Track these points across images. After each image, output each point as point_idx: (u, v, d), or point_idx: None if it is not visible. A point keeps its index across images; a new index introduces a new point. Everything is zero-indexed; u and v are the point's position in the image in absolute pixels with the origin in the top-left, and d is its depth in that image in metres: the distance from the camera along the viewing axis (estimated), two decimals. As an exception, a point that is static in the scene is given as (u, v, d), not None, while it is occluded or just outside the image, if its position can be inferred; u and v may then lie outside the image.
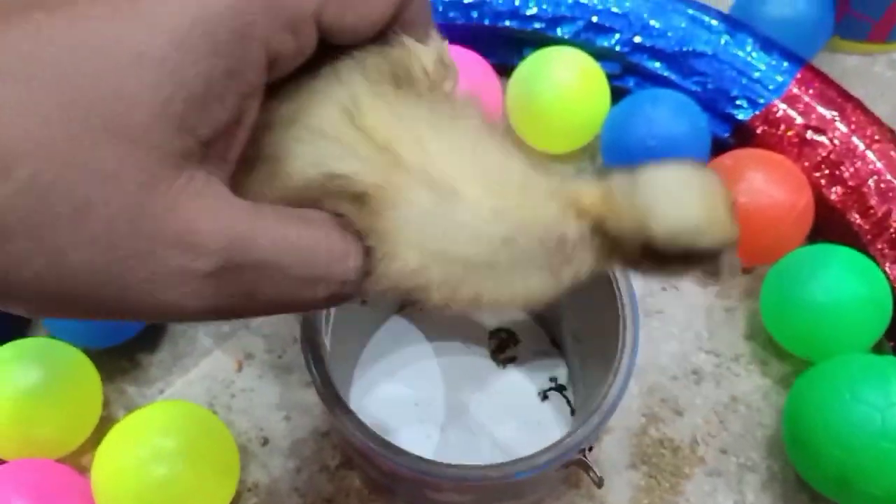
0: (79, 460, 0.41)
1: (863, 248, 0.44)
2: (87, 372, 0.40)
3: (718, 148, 0.48)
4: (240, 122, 0.19)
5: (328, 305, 0.22)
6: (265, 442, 0.42)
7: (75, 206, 0.17)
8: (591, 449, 0.32)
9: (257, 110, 0.20)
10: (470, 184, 0.21)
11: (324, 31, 0.20)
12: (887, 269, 0.43)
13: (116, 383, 0.43)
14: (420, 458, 0.31)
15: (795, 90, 0.47)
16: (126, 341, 0.44)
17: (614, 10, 0.50)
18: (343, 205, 0.21)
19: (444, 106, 0.22)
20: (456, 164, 0.21)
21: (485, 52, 0.50)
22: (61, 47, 0.17)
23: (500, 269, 0.22)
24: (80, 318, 0.21)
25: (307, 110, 0.21)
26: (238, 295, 0.19)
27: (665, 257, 0.24)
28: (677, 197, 0.23)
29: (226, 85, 0.18)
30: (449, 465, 0.31)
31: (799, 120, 0.47)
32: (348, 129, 0.21)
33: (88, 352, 0.41)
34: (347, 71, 0.22)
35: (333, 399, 0.32)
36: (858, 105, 0.47)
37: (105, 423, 0.41)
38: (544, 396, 0.43)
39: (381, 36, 0.22)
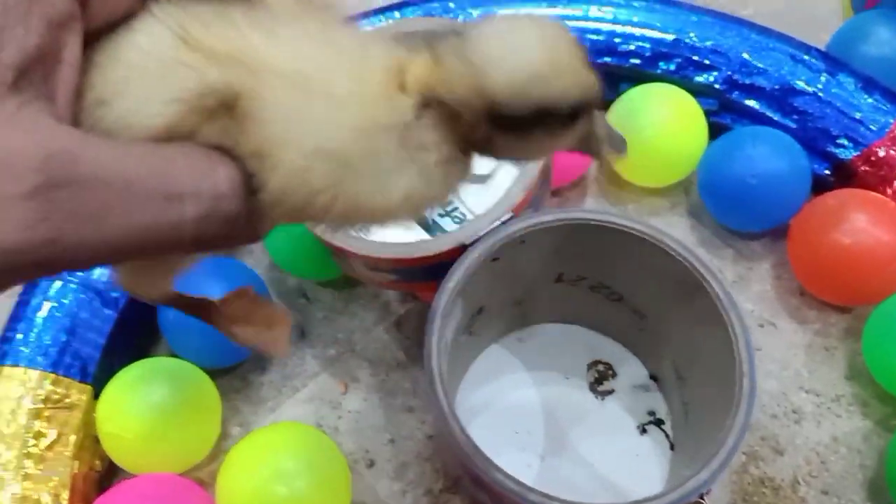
0: (197, 474, 0.43)
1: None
2: (209, 391, 0.43)
3: (818, 186, 0.49)
4: (58, 56, 0.18)
5: (209, 232, 0.19)
6: (371, 464, 0.44)
7: None
8: (709, 492, 0.33)
9: (79, 48, 0.19)
10: (320, 74, 0.20)
11: None
12: None
13: (231, 402, 0.45)
14: (546, 495, 0.32)
15: (899, 131, 0.47)
16: (239, 362, 0.46)
17: (713, 47, 0.51)
18: (207, 130, 0.20)
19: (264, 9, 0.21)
20: (301, 58, 0.20)
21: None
22: None
23: (365, 164, 0.21)
24: None
25: (132, 48, 0.20)
26: (77, 219, 0.17)
27: (517, 123, 0.21)
28: (513, 42, 0.21)
29: (26, 8, 0.17)
30: (569, 502, 0.32)
31: (902, 161, 0.47)
32: (187, 53, 0.20)
33: (206, 371, 0.43)
34: (161, 7, 0.21)
35: (456, 423, 0.34)
36: (963, 147, 0.47)
37: (221, 440, 0.43)
38: (643, 430, 0.44)
39: None
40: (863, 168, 0.48)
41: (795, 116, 0.50)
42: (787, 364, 0.46)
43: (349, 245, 0.39)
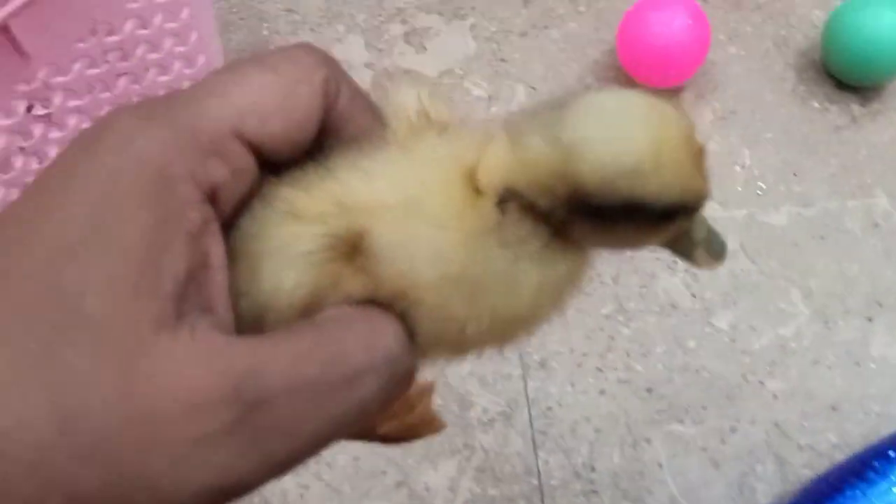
0: None
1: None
2: None
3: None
4: (206, 264, 0.18)
5: (392, 395, 0.19)
6: None
7: (59, 425, 0.15)
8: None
9: (223, 248, 0.19)
10: (415, 198, 0.20)
11: (255, 146, 0.19)
12: None
13: None
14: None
15: None
16: None
17: None
18: (349, 279, 0.19)
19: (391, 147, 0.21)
20: (396, 187, 0.20)
21: None
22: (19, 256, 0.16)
23: (487, 277, 0.20)
24: None
25: (247, 240, 0.20)
26: (280, 433, 0.17)
27: (604, 214, 0.19)
28: (614, 124, 0.18)
29: (168, 233, 0.17)
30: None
31: None
32: (299, 223, 0.20)
33: None
34: (265, 189, 0.20)
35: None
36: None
37: None
38: None
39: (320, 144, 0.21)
40: None
41: None
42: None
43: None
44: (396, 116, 0.21)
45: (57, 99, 0.43)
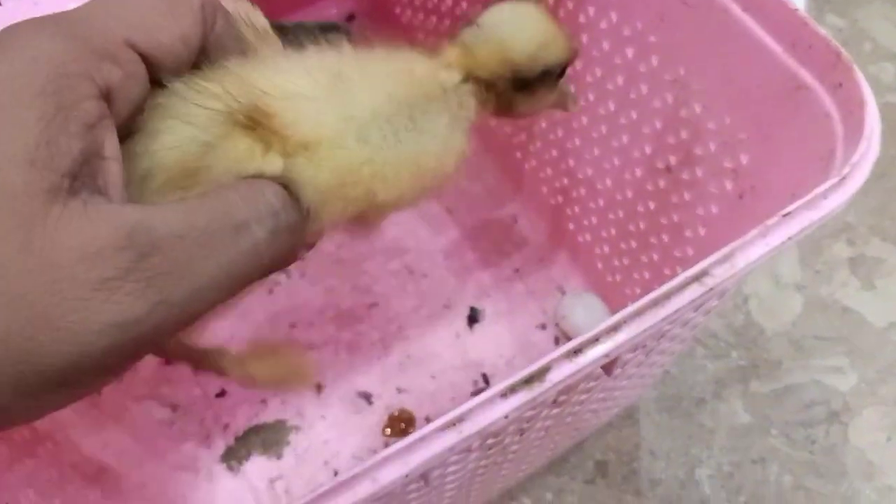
0: None
1: None
2: None
3: None
4: (100, 154, 0.20)
5: (282, 247, 0.23)
6: None
7: None
8: None
9: (116, 142, 0.21)
10: (350, 72, 0.26)
11: (144, 55, 0.22)
12: None
13: None
14: None
15: None
16: None
17: None
18: (242, 144, 0.23)
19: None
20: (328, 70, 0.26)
21: None
22: None
23: (425, 123, 0.27)
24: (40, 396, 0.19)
25: (158, 118, 0.23)
26: (174, 277, 0.19)
27: (530, 83, 0.31)
28: (523, 25, 0.30)
29: (63, 119, 0.19)
30: None
31: None
32: (208, 99, 0.24)
33: None
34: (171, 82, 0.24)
35: None
36: None
37: None
38: None
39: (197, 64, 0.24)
40: None
41: None
42: None
43: None
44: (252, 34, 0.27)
45: (582, 384, 0.37)
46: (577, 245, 0.65)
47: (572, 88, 0.34)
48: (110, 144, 0.21)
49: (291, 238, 0.23)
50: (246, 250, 0.21)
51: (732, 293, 0.67)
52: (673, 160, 0.49)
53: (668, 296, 0.29)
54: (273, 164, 0.24)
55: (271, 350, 0.39)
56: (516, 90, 0.31)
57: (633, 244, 0.57)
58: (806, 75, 0.37)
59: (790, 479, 0.59)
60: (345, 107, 0.25)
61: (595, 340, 0.28)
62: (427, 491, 0.37)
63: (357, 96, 0.26)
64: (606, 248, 0.61)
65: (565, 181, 0.63)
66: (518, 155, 0.69)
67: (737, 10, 0.39)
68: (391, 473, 0.26)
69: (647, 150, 0.51)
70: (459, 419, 0.27)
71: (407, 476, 0.27)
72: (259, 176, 0.23)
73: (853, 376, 0.63)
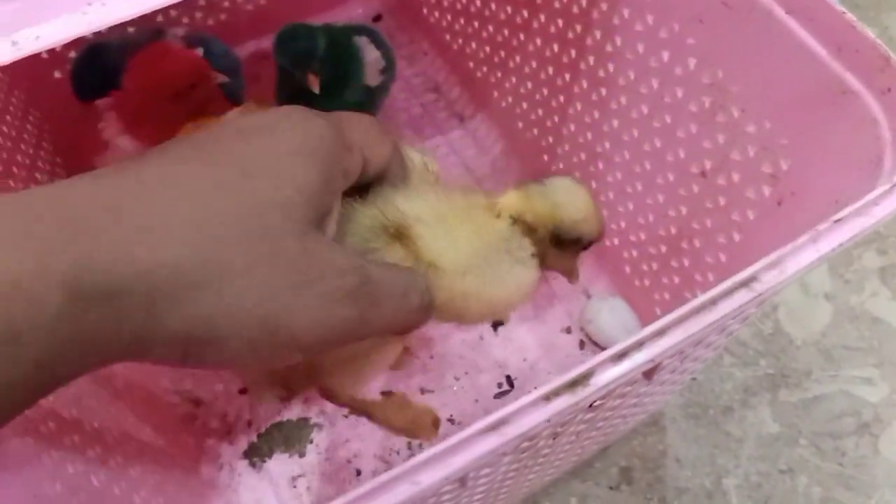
0: None
1: None
2: None
3: None
4: (331, 211, 0.28)
5: (423, 315, 0.31)
6: None
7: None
8: None
9: (338, 205, 0.30)
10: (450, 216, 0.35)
11: (363, 158, 0.31)
12: None
13: None
14: None
15: None
16: None
17: None
18: (390, 249, 0.33)
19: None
20: (436, 210, 0.35)
21: None
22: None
23: (492, 269, 0.36)
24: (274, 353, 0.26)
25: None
26: (371, 303, 0.27)
27: (563, 242, 0.39)
28: (576, 197, 0.39)
29: (328, 183, 0.27)
30: None
31: None
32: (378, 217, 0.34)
33: None
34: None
35: None
36: None
37: None
38: None
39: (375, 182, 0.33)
40: None
41: None
42: None
43: None
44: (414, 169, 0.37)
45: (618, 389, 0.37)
46: (603, 248, 0.64)
47: (580, 264, 0.43)
48: (336, 206, 0.29)
49: (424, 313, 0.31)
50: (404, 306, 0.29)
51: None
52: (708, 165, 0.48)
53: (714, 301, 0.29)
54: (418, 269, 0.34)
55: (407, 403, 0.55)
56: (551, 241, 0.38)
57: (663, 248, 0.56)
58: (852, 80, 0.36)
59: (819, 491, 0.58)
60: (454, 246, 0.35)
61: (640, 345, 0.28)
62: (458, 494, 0.37)
63: (458, 240, 0.35)
64: (635, 253, 0.60)
65: (594, 185, 0.62)
66: (545, 158, 0.68)
67: (780, 12, 0.38)
68: (431, 476, 0.26)
69: (682, 154, 0.50)
70: (502, 422, 0.26)
71: (446, 478, 0.26)
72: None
73: (884, 387, 0.62)
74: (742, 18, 0.41)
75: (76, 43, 0.53)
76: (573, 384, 0.27)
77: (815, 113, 0.38)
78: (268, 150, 0.26)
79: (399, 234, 0.33)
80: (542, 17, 0.60)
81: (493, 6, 0.67)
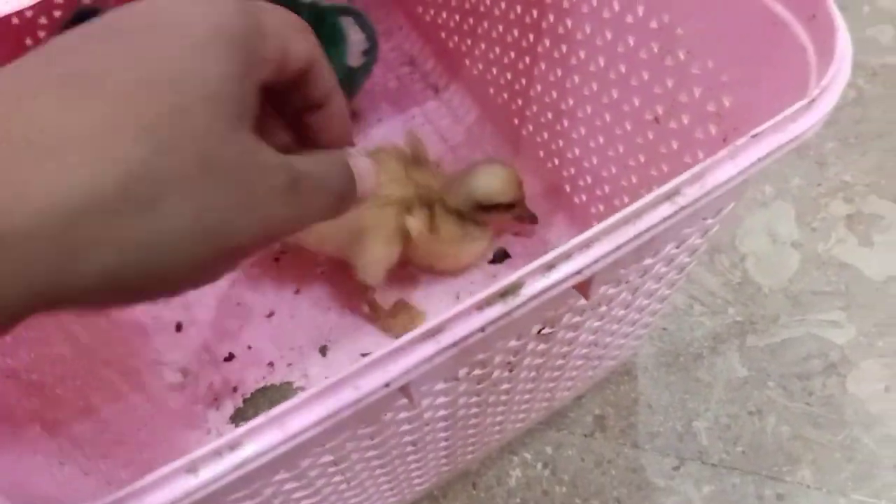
0: None
1: None
2: None
3: None
4: (253, 106, 0.24)
5: (351, 198, 0.28)
6: None
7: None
8: None
9: (258, 100, 0.25)
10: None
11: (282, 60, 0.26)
12: None
13: None
14: None
15: None
16: None
17: None
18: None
19: None
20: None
21: None
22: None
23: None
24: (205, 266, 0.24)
25: None
26: (302, 199, 0.25)
27: (487, 209, 0.60)
28: (487, 176, 0.60)
29: (249, 74, 0.24)
30: None
31: None
32: None
33: None
34: None
35: None
36: None
37: None
38: None
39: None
40: None
41: None
42: None
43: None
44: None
45: (566, 317, 0.38)
46: (573, 206, 0.66)
47: (529, 213, 0.64)
48: (256, 105, 0.25)
49: (352, 196, 0.28)
50: (334, 194, 0.27)
51: (727, 248, 0.67)
52: (660, 110, 0.49)
53: (639, 214, 0.30)
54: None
55: (406, 308, 0.65)
56: (477, 210, 0.61)
57: (626, 199, 0.58)
58: (782, 10, 0.37)
59: (788, 430, 0.60)
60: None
61: (568, 256, 0.29)
62: (417, 420, 0.39)
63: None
64: (602, 207, 0.62)
65: (560, 143, 0.64)
66: (515, 121, 0.70)
67: (715, -49, 0.40)
68: (372, 382, 0.28)
69: (636, 102, 0.52)
70: (438, 330, 0.28)
71: (388, 385, 0.28)
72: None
73: (851, 329, 0.64)
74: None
75: (51, 4, 0.53)
76: (504, 294, 0.29)
77: (751, 47, 0.40)
78: (181, 40, 0.22)
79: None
80: (503, -20, 0.62)
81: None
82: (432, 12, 0.77)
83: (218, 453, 0.27)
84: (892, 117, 0.75)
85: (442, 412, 0.40)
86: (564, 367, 0.49)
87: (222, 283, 0.69)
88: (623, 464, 0.59)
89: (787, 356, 0.63)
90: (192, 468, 0.27)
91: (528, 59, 0.64)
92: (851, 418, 0.60)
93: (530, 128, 0.68)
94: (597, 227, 0.30)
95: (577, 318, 0.40)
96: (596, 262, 0.30)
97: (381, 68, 0.81)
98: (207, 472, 0.27)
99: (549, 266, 0.29)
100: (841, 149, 0.73)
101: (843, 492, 0.57)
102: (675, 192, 0.31)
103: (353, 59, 0.67)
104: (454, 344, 0.28)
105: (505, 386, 0.43)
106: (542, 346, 0.41)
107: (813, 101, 0.32)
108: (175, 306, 0.68)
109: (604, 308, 0.41)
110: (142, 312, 0.68)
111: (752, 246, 0.68)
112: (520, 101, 0.68)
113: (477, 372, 0.38)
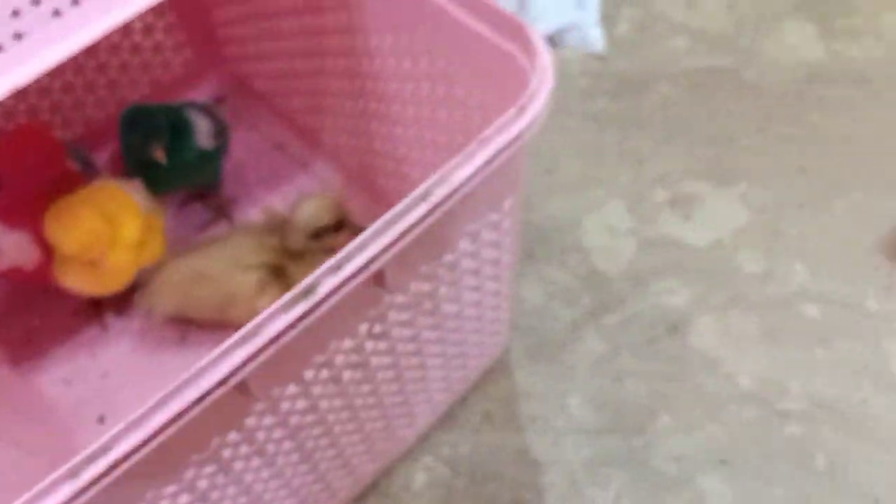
0: None
1: None
2: None
3: None
4: None
5: None
6: None
7: None
8: None
9: None
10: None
11: None
12: None
13: None
14: None
15: None
16: None
17: None
18: None
19: None
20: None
21: None
22: None
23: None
24: None
25: None
26: None
27: (319, 236, 0.68)
28: (309, 205, 0.68)
29: None
30: None
31: None
32: None
33: None
34: None
35: None
36: None
37: None
38: None
39: None
40: None
41: None
42: None
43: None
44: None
45: (391, 315, 0.47)
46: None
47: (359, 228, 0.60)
48: None
49: None
50: None
51: (573, 248, 0.77)
52: (442, 136, 0.60)
53: (400, 215, 0.39)
54: None
55: None
56: (312, 237, 0.69)
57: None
58: (509, 45, 0.48)
59: (645, 388, 0.68)
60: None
61: (349, 258, 0.38)
62: (285, 427, 0.46)
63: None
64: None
65: (392, 182, 0.74)
66: (371, 177, 0.80)
67: (459, 13, 0.50)
68: (209, 380, 0.35)
69: (429, 133, 0.62)
70: (252, 334, 0.36)
71: (223, 383, 0.36)
72: None
73: (686, 293, 0.74)
74: (436, 23, 0.53)
75: None
76: (306, 293, 0.37)
77: (496, 76, 0.50)
78: None
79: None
80: (335, 61, 0.72)
81: (300, 63, 0.79)
82: (288, 101, 0.87)
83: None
84: (695, 112, 0.87)
85: (310, 417, 0.48)
86: (426, 367, 0.57)
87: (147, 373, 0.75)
88: (511, 448, 0.66)
89: (635, 327, 0.72)
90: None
91: (366, 122, 0.74)
92: (696, 367, 0.69)
93: (375, 172, 0.78)
94: (368, 230, 0.38)
95: (405, 316, 0.48)
96: (372, 260, 0.38)
97: (253, 155, 0.90)
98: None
99: (337, 266, 0.38)
100: (655, 146, 0.85)
101: (698, 427, 0.66)
102: (427, 194, 0.40)
103: (205, 142, 0.76)
104: (271, 342, 0.36)
105: (366, 387, 0.51)
106: (383, 345, 0.49)
107: (523, 107, 0.42)
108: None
109: (428, 305, 0.50)
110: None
111: (594, 241, 0.78)
112: (365, 155, 0.78)
113: (325, 374, 0.45)
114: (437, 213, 0.40)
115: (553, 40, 0.96)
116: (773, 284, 0.74)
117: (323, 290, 0.37)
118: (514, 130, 0.42)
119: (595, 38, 0.95)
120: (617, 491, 0.64)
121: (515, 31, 0.47)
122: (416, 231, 0.40)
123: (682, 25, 0.96)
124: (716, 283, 0.74)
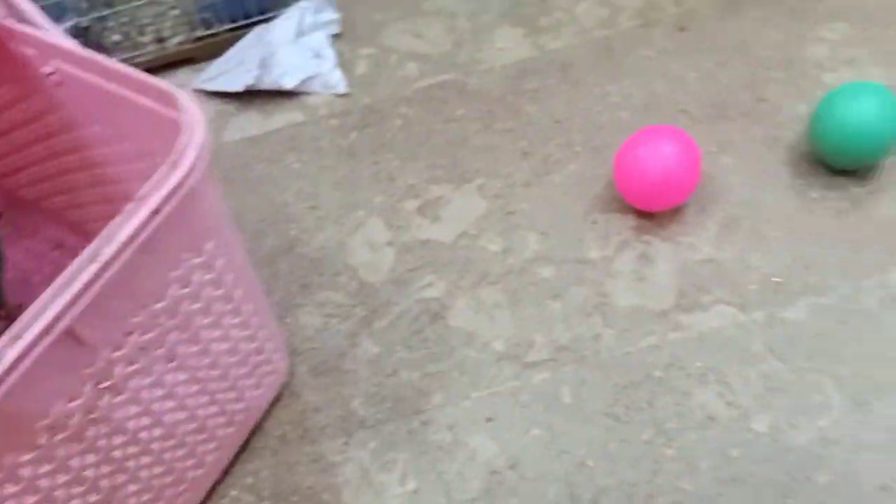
0: None
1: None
2: None
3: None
4: None
5: None
6: None
7: None
8: None
9: None
10: None
11: None
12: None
13: None
14: None
15: None
16: None
17: None
18: None
19: None
20: None
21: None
22: None
23: None
24: None
25: None
26: None
27: None
28: None
29: None
30: None
31: None
32: None
33: None
34: None
35: None
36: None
37: None
38: None
39: None
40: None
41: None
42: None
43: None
44: None
45: (118, 369, 0.53)
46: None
47: None
48: None
49: None
50: None
51: (343, 269, 0.85)
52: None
53: (71, 279, 0.45)
54: None
55: None
56: None
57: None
58: (164, 110, 0.55)
59: (417, 374, 0.77)
60: None
61: (28, 326, 0.44)
62: (43, 488, 0.51)
63: None
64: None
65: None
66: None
67: (123, 91, 0.57)
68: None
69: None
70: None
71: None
72: None
73: (441, 284, 0.83)
74: (115, 106, 0.60)
75: None
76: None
77: (156, 136, 0.57)
78: None
79: None
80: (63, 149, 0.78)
81: (50, 164, 0.84)
82: (53, 200, 0.91)
83: None
84: (431, 125, 0.97)
85: (63, 477, 0.53)
86: (194, 409, 0.63)
87: None
88: (306, 460, 0.73)
89: (403, 324, 0.81)
90: None
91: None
92: (457, 343, 0.78)
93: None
94: (43, 296, 0.45)
95: (136, 366, 0.54)
96: (50, 327, 0.44)
97: (35, 261, 0.94)
98: None
99: (16, 337, 0.44)
100: (402, 163, 0.94)
101: (465, 396, 0.75)
102: (97, 255, 0.46)
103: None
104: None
105: (121, 439, 0.56)
106: (122, 398, 0.54)
107: (174, 163, 0.50)
108: None
109: (160, 351, 0.56)
110: None
111: (359, 258, 0.86)
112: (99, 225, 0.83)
113: (60, 436, 0.51)
114: (116, 267, 0.47)
115: (301, 88, 1.05)
116: (512, 257, 0.84)
117: (6, 361, 0.43)
118: (170, 183, 0.49)
119: (336, 80, 1.05)
120: (402, 471, 0.71)
121: (167, 97, 0.54)
122: (95, 288, 0.46)
123: (411, 53, 1.07)
124: (465, 268, 0.84)
